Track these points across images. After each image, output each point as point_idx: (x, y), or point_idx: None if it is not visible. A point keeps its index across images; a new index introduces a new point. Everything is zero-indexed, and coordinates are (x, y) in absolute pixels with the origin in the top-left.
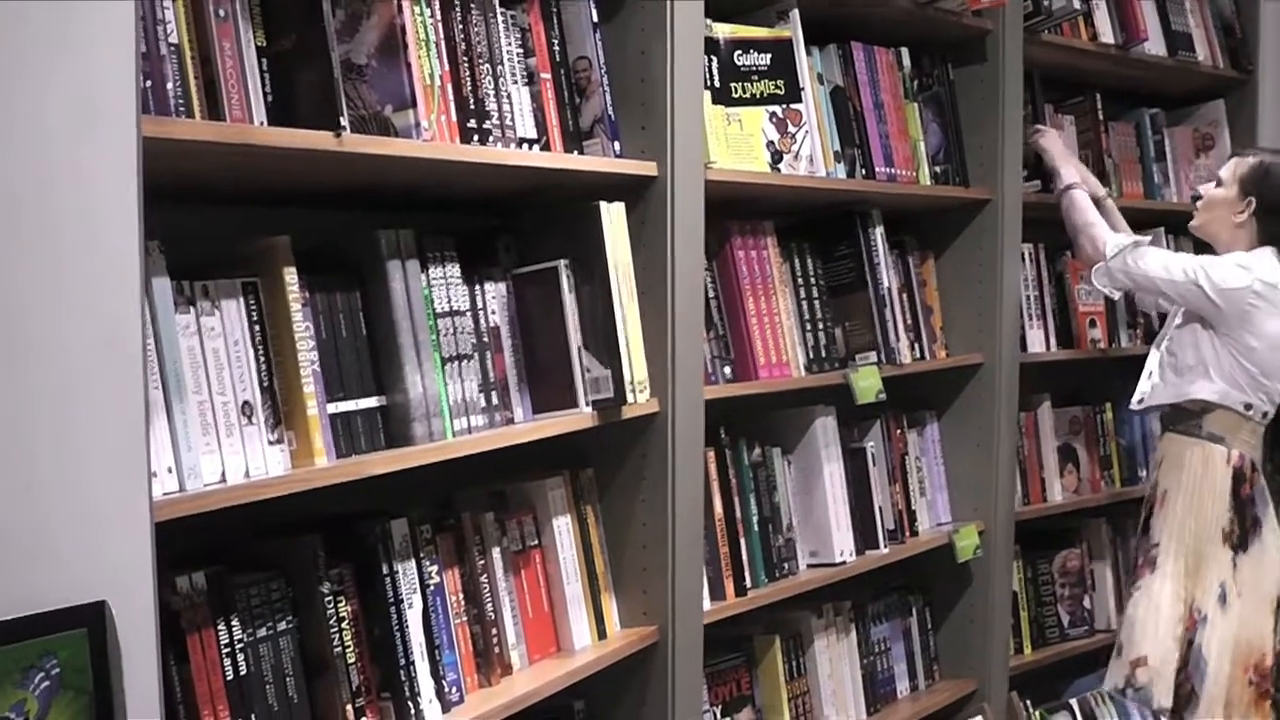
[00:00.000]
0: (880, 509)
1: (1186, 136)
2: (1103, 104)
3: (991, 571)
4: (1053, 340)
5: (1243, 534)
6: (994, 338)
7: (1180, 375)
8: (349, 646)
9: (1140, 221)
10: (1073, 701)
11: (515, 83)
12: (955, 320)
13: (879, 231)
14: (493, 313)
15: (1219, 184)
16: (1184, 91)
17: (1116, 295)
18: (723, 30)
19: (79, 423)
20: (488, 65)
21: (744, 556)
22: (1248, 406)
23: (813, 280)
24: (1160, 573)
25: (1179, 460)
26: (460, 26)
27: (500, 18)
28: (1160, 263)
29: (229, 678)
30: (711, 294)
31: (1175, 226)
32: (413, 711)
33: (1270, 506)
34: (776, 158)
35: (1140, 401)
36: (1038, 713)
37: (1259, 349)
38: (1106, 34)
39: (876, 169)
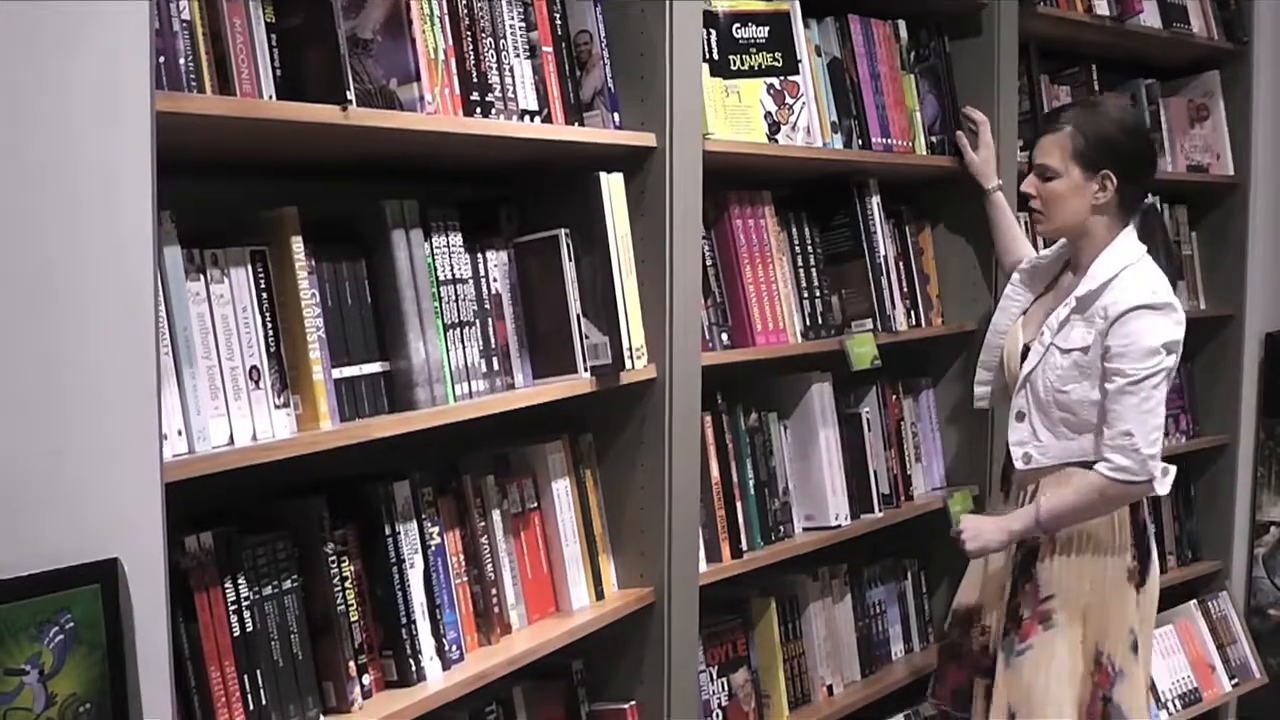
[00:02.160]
0: (875, 474)
1: (1181, 107)
2: (1098, 75)
3: None
4: None
5: (1142, 569)
6: (989, 305)
7: (1079, 434)
8: (352, 605)
9: None
10: None
11: (517, 56)
12: (951, 288)
13: (875, 200)
14: (494, 281)
15: (1048, 175)
16: (1179, 62)
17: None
18: (721, 3)
19: (93, 387)
20: (490, 39)
21: (740, 520)
22: None
23: (810, 249)
24: (1057, 630)
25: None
26: (463, 1)
27: None
28: (1144, 411)
29: (235, 635)
30: (709, 262)
31: (1171, 196)
32: (414, 669)
33: (1150, 526)
34: (774, 129)
35: (1026, 461)
36: None
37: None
38: (1102, 6)
39: (873, 139)
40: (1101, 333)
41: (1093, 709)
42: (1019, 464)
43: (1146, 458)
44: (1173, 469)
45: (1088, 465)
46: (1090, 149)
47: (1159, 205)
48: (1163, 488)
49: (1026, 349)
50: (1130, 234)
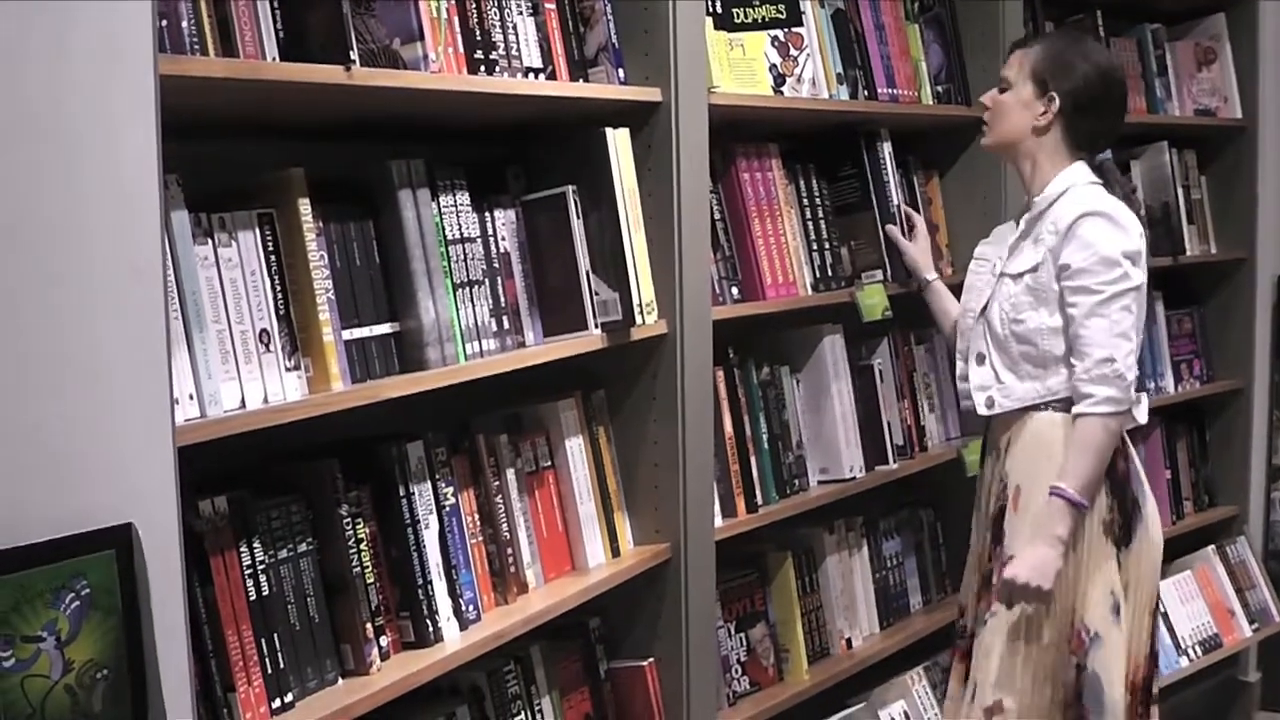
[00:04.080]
0: (889, 425)
1: (1188, 50)
2: (1103, 20)
3: None
4: None
5: (1125, 523)
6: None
7: (1042, 369)
8: (368, 567)
9: (1143, 136)
10: None
11: (520, 13)
12: (960, 237)
13: (887, 148)
14: (503, 239)
15: (1003, 87)
16: (1184, 6)
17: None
18: None
19: (105, 353)
20: None
21: (754, 474)
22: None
23: (818, 201)
24: None
25: (1033, 443)
26: None
27: None
28: (1118, 334)
29: (252, 598)
30: (717, 216)
31: (1178, 140)
32: (431, 630)
33: (1146, 483)
34: (779, 81)
35: (989, 406)
36: None
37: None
38: None
39: (879, 90)
40: (1052, 250)
41: (1066, 678)
42: (981, 409)
43: (1131, 382)
44: (1145, 396)
45: (1055, 406)
46: (1047, 68)
47: (1170, 153)
48: (1142, 414)
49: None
50: (1081, 166)
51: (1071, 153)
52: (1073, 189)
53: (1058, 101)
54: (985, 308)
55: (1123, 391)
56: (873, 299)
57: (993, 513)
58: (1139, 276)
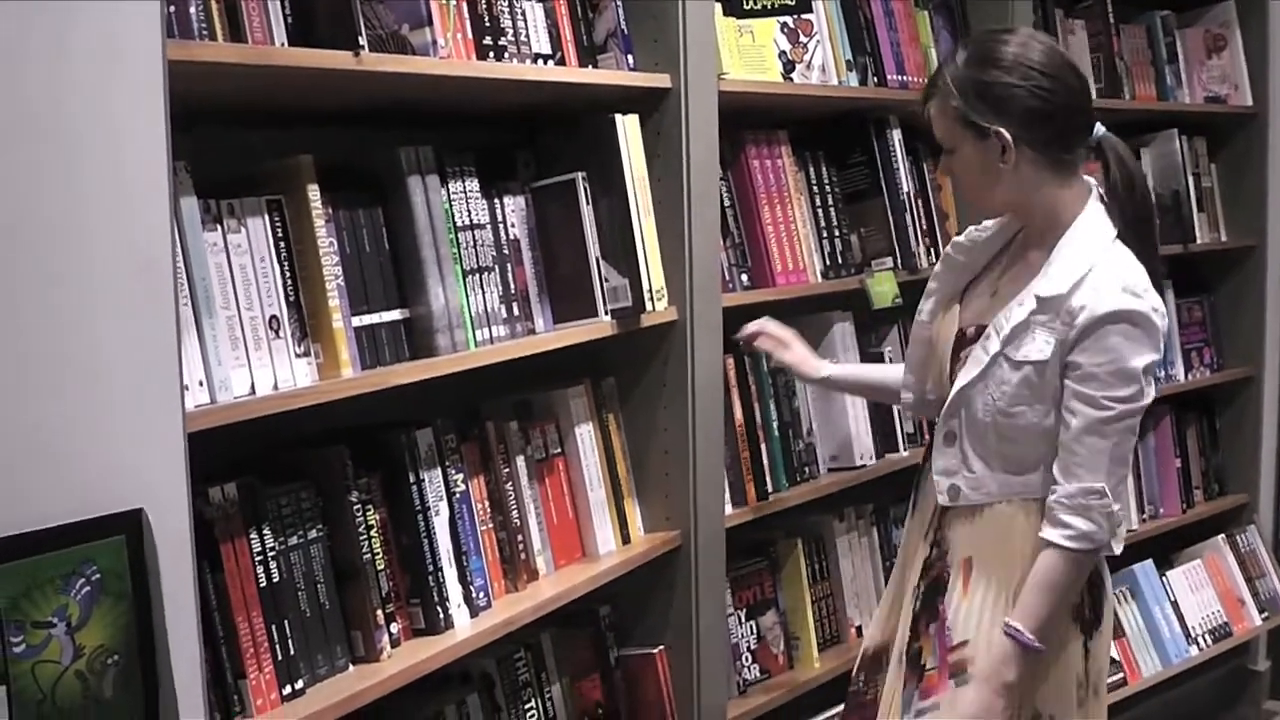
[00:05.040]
0: (899, 413)
1: (1198, 37)
2: (1113, 7)
3: None
4: None
5: (1095, 610)
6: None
7: (1020, 471)
8: (378, 554)
9: (1154, 123)
10: None
11: None
12: (969, 224)
13: (896, 135)
14: (512, 225)
15: (947, 152)
16: None
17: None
18: None
19: (115, 339)
20: None
21: (764, 461)
22: None
23: (827, 188)
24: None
25: (992, 517)
26: None
27: None
28: (1117, 459)
29: (262, 585)
30: (727, 203)
31: (1188, 127)
32: (441, 616)
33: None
34: (789, 67)
35: (953, 497)
36: None
37: None
38: None
39: (888, 77)
40: (1065, 342)
41: None
42: (943, 498)
43: (1115, 515)
44: (1124, 520)
45: (1020, 500)
46: (971, 108)
47: (1180, 140)
48: (1119, 545)
49: (961, 342)
50: (1093, 208)
51: (1063, 174)
52: (1098, 265)
53: (1007, 134)
54: (967, 387)
55: (1104, 528)
56: (883, 286)
57: (924, 587)
58: (1150, 392)
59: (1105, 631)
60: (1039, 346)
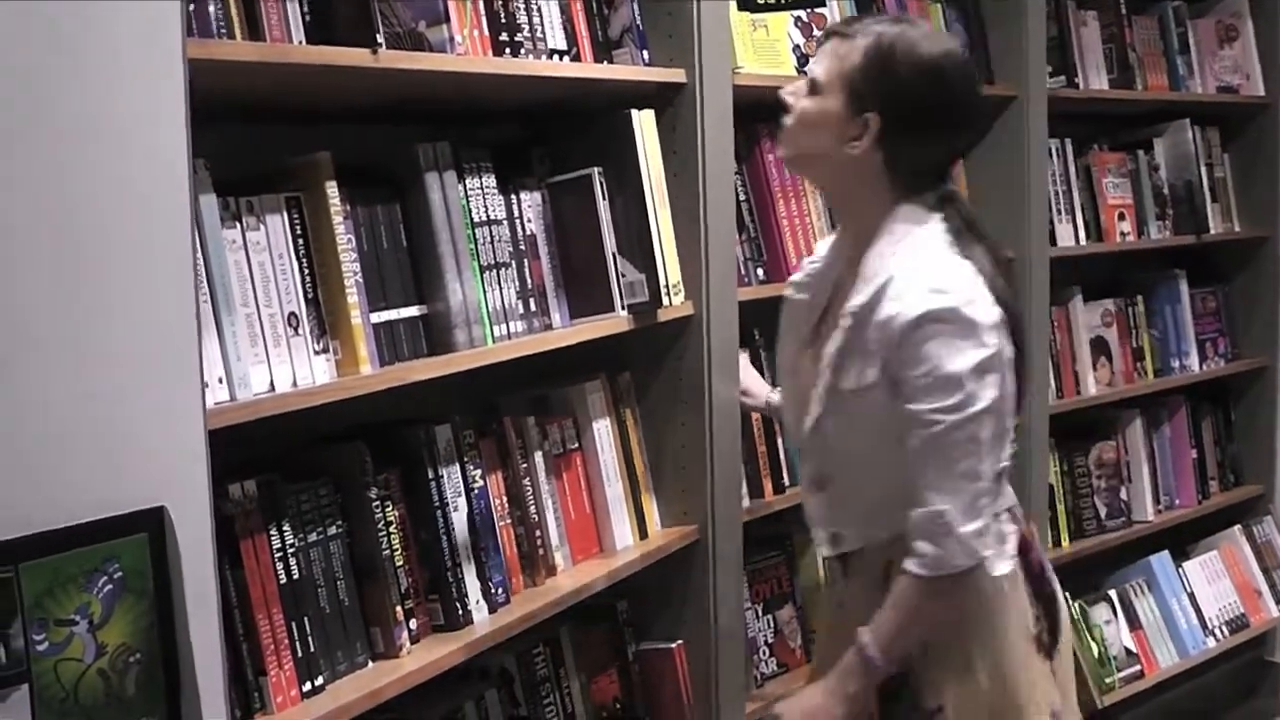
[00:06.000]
0: None
1: (1210, 28)
2: None
3: (1028, 465)
4: (1082, 234)
5: (1052, 629)
6: (1024, 233)
7: (894, 509)
8: (397, 550)
9: (1165, 113)
10: (1111, 592)
11: None
12: (985, 217)
13: None
14: (529, 221)
15: (813, 88)
16: None
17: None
18: None
19: (135, 336)
20: None
21: (781, 455)
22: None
23: None
24: None
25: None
26: None
27: None
28: (959, 475)
29: (282, 582)
30: (742, 197)
31: (1200, 117)
32: (460, 612)
33: (1049, 570)
34: (803, 61)
35: (835, 544)
36: (1077, 604)
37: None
38: None
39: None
40: (886, 360)
41: None
42: (824, 549)
43: (969, 537)
44: (1013, 537)
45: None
46: (866, 77)
47: (1192, 130)
48: (1002, 564)
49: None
50: (916, 214)
51: (898, 191)
52: (900, 274)
53: (875, 126)
54: (816, 425)
55: (956, 551)
56: None
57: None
58: (988, 394)
59: (1064, 649)
60: (858, 370)
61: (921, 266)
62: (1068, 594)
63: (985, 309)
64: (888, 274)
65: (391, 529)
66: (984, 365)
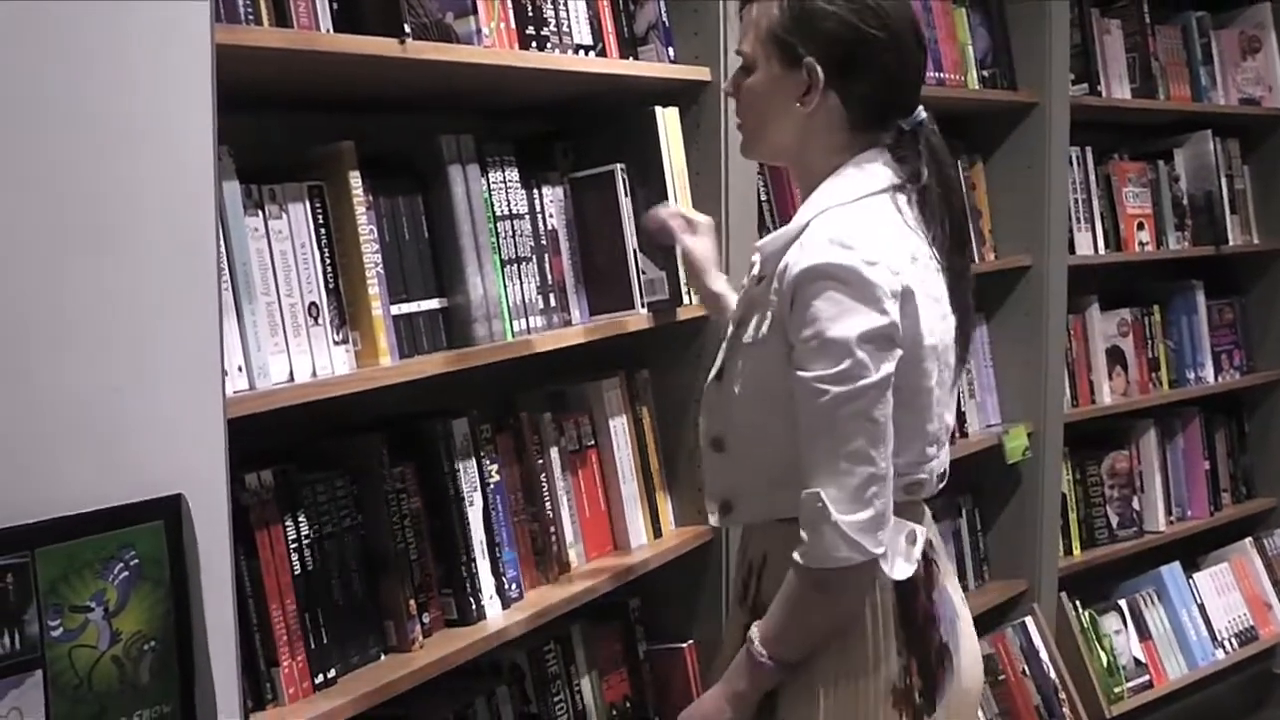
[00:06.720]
0: None
1: (1233, 39)
2: (1149, 7)
3: (1041, 473)
4: (1100, 243)
5: (929, 685)
6: (1043, 240)
7: (787, 481)
8: (411, 543)
9: (1187, 124)
10: (1122, 602)
11: None
12: (1004, 223)
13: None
14: (550, 216)
15: (746, 67)
16: None
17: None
18: None
19: (155, 323)
20: None
21: None
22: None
23: None
24: None
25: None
26: None
27: None
28: (842, 455)
29: (296, 573)
30: (764, 196)
31: (1221, 129)
32: (473, 607)
33: (960, 614)
34: None
35: (725, 513)
36: (1087, 613)
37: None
38: None
39: (925, 73)
40: (779, 316)
41: None
42: (713, 518)
43: (853, 530)
44: (922, 535)
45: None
46: (792, 27)
47: (1213, 141)
48: (902, 568)
49: None
50: (866, 167)
51: (857, 142)
52: (822, 216)
53: (819, 72)
54: (719, 377)
55: (836, 543)
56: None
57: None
58: (885, 368)
59: (956, 701)
60: (760, 324)
61: (842, 220)
62: (1077, 602)
63: (888, 274)
64: (800, 224)
65: (406, 522)
66: (878, 334)
